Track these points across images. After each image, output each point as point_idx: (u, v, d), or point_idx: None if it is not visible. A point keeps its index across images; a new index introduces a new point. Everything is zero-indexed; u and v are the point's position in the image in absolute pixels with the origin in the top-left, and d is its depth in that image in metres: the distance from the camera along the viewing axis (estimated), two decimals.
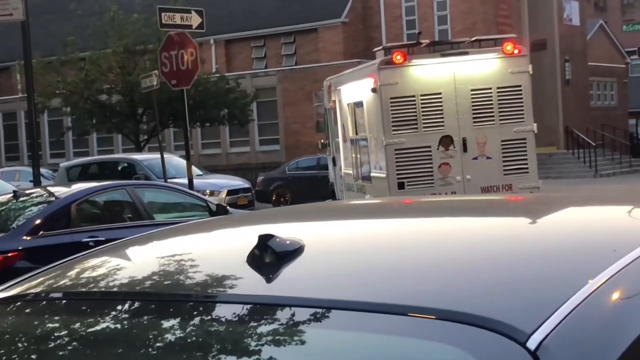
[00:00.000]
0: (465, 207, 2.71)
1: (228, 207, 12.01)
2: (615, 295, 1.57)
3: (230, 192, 23.01)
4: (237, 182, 24.53)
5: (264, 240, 1.79)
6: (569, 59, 41.37)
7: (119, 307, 1.79)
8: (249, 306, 1.65)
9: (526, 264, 1.78)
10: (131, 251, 2.26)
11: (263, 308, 1.64)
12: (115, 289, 1.92)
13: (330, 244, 2.08)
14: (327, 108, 19.55)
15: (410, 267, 1.81)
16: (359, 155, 16.66)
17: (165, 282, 1.90)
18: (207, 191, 21.47)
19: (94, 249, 2.36)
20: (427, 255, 1.89)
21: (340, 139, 18.20)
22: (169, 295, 1.80)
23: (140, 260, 2.19)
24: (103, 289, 1.92)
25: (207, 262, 2.01)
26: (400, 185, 14.57)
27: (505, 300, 1.56)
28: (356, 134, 16.68)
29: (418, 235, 2.13)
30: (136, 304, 1.79)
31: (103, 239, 9.30)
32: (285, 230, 2.11)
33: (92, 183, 12.40)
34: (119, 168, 23.78)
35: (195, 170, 20.70)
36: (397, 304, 1.55)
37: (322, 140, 21.26)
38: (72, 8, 31.22)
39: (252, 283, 1.77)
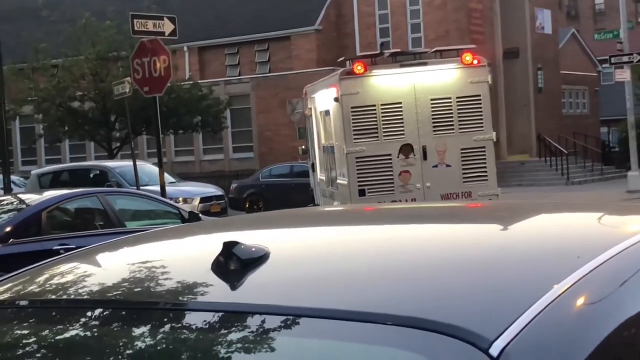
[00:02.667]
0: (428, 214, 2.72)
1: (200, 215, 11.99)
2: (578, 302, 1.58)
3: (203, 200, 22.96)
4: (210, 190, 24.48)
5: (229, 248, 1.78)
6: (542, 67, 41.64)
7: (86, 315, 1.78)
8: (214, 314, 1.65)
9: (489, 270, 1.79)
10: (96, 258, 2.25)
11: (228, 315, 1.64)
12: (81, 297, 1.90)
13: (295, 251, 2.08)
14: (306, 115, 19.87)
15: (373, 274, 1.81)
16: (329, 162, 16.96)
17: (132, 290, 1.89)
18: (180, 199, 21.41)
19: (59, 256, 2.34)
20: (389, 262, 1.89)
21: (316, 146, 18.47)
22: (136, 303, 1.79)
23: (105, 267, 2.18)
24: (69, 296, 1.90)
25: (173, 270, 2.00)
26: (361, 192, 14.89)
27: (467, 306, 1.56)
28: (326, 141, 16.94)
29: (381, 243, 2.13)
30: (103, 312, 1.77)
31: (74, 246, 9.22)
32: (252, 237, 2.11)
33: (63, 190, 12.32)
34: (91, 175, 23.65)
35: (167, 177, 20.62)
36: (359, 311, 1.54)
37: (302, 147, 21.50)
38: (44, 15, 30.99)
39: (217, 290, 1.76)
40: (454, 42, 36.48)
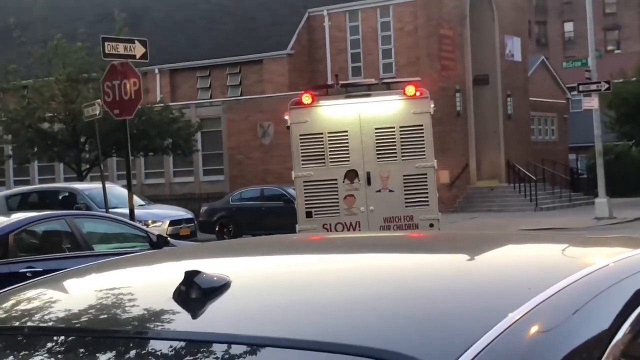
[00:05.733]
0: (385, 243, 2.76)
1: (169, 238, 11.97)
2: (529, 332, 1.62)
3: (172, 223, 22.89)
4: (180, 213, 24.42)
5: (190, 277, 1.81)
6: (511, 94, 41.98)
7: (50, 342, 1.79)
8: (175, 342, 1.67)
9: (443, 300, 1.83)
10: (61, 285, 2.26)
11: (188, 344, 1.66)
12: (45, 324, 1.92)
13: (256, 280, 2.11)
14: None
15: (331, 303, 1.84)
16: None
17: (95, 318, 1.91)
18: (149, 221, 21.34)
19: (25, 282, 2.35)
20: (347, 292, 1.93)
21: None
22: (98, 332, 1.81)
23: (69, 294, 2.19)
24: (34, 323, 1.92)
25: (136, 298, 2.02)
26: (308, 214, 15.95)
27: (420, 336, 1.60)
28: None
29: (340, 272, 2.17)
30: (67, 339, 1.79)
31: (41, 269, 9.20)
32: (214, 266, 2.14)
33: (30, 213, 12.25)
34: (60, 197, 23.50)
35: (137, 200, 20.55)
36: (317, 341, 1.58)
37: None
38: (15, 35, 30.88)
39: (178, 319, 1.79)
40: (425, 68, 36.74)
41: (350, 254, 2.54)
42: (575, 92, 39.30)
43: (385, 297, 1.85)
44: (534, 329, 1.62)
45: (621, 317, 1.75)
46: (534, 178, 37.71)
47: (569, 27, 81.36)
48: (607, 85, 29.63)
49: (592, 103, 29.49)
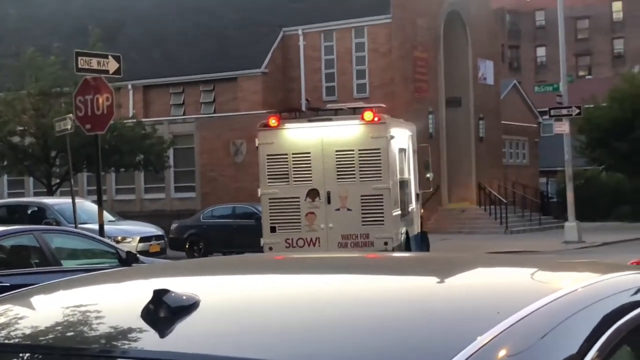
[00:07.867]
0: (356, 265, 2.76)
1: (138, 255, 11.91)
2: (498, 356, 1.62)
3: (142, 239, 22.79)
4: (150, 229, 24.30)
5: (159, 295, 1.80)
6: (483, 116, 42.22)
7: (15, 359, 1.77)
8: None
9: (411, 323, 1.82)
10: (29, 301, 2.24)
11: None
12: (11, 340, 1.89)
13: (225, 300, 2.10)
14: None
15: (300, 324, 1.83)
16: None
17: (63, 335, 1.89)
18: (119, 237, 21.23)
19: None
20: (316, 313, 1.92)
21: None
22: (65, 349, 1.79)
23: (37, 311, 2.17)
24: (1, 340, 1.90)
25: (104, 316, 2.00)
26: (272, 229, 17.07)
27: (389, 359, 1.60)
28: None
29: (310, 293, 2.16)
30: (34, 356, 1.77)
31: (8, 284, 9.11)
32: (183, 285, 2.12)
33: None
34: (29, 212, 23.35)
35: (107, 216, 20.43)
36: None
37: None
38: None
39: (146, 338, 1.77)
40: (398, 89, 36.90)
41: (320, 275, 2.53)
42: (546, 117, 39.54)
43: (354, 319, 1.85)
44: (502, 353, 1.62)
45: (589, 342, 1.76)
46: (504, 201, 37.92)
47: (541, 52, 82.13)
48: (578, 110, 29.90)
49: (563, 128, 29.72)
